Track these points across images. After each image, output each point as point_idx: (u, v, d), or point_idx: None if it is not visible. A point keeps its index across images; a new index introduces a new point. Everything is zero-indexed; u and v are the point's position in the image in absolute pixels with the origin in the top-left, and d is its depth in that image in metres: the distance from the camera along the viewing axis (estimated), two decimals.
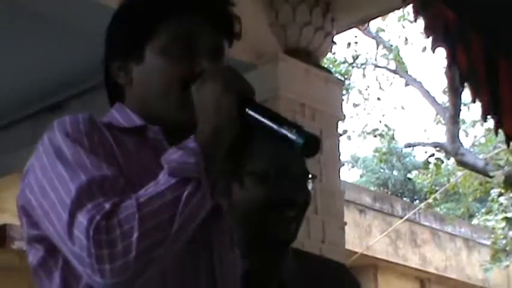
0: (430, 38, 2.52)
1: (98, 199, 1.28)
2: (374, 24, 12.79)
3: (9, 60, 4.22)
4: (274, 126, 1.37)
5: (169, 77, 1.45)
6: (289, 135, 1.35)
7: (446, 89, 11.43)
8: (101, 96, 4.91)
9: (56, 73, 4.37)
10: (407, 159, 19.86)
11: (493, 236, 10.59)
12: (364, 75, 13.94)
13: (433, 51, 2.59)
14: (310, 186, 1.88)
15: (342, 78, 11.87)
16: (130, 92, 1.51)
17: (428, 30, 2.52)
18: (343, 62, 13.65)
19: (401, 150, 19.26)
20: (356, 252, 10.60)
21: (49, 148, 1.37)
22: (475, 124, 14.46)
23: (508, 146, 2.98)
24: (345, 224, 4.24)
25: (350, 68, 13.76)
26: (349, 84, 13.87)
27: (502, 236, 9.87)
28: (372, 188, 17.61)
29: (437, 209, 16.04)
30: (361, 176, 19.89)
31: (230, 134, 1.38)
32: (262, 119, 1.38)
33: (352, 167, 20.22)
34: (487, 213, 10.78)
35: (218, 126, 1.36)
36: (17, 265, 8.41)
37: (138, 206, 1.26)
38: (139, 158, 1.40)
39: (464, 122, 14.19)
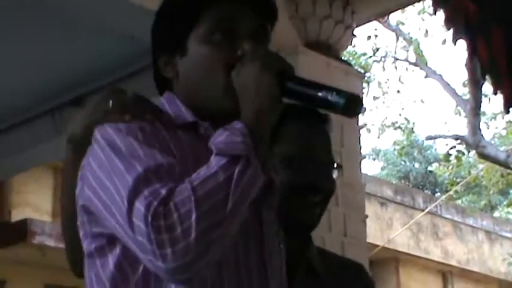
0: (451, 30, 2.51)
1: (154, 185, 1.29)
2: (394, 17, 12.76)
3: (31, 54, 4.25)
4: (314, 93, 1.38)
5: (213, 64, 1.45)
6: (329, 97, 1.36)
7: (466, 82, 11.37)
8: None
9: (78, 67, 4.39)
10: (429, 151, 19.79)
11: None
12: (384, 68, 13.91)
13: (454, 44, 2.58)
14: (335, 175, 1.90)
15: (362, 71, 11.85)
16: (177, 85, 1.51)
17: (449, 22, 2.51)
18: (363, 55, 13.63)
19: (423, 143, 19.21)
20: (377, 246, 10.59)
21: (103, 143, 1.37)
22: (496, 116, 14.38)
23: None
24: (366, 217, 4.24)
25: (370, 60, 13.73)
26: (369, 77, 13.84)
27: None
28: (394, 181, 17.58)
29: (459, 201, 15.98)
30: (382, 169, 19.86)
31: (274, 113, 1.38)
32: (301, 89, 1.39)
33: (373, 159, 20.18)
34: (509, 205, 10.71)
35: (261, 105, 1.36)
36: (38, 260, 8.49)
37: (192, 189, 1.27)
38: (192, 151, 1.40)
39: (485, 114, 14.13)
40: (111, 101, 1.47)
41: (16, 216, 8.80)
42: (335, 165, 1.91)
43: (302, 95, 1.39)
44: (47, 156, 5.17)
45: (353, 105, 1.36)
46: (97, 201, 1.36)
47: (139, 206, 1.27)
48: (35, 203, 9.10)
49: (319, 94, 1.37)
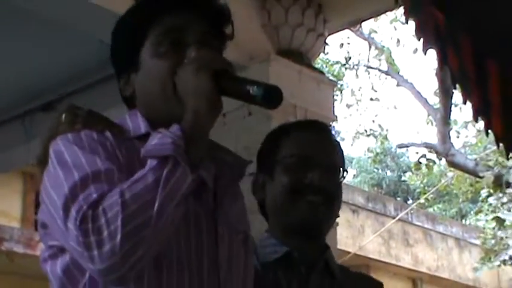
0: (421, 40, 2.53)
1: (89, 190, 1.33)
2: (366, 26, 12.84)
3: (1, 60, 4.22)
4: (241, 88, 1.44)
5: (162, 75, 1.50)
6: (251, 91, 1.42)
7: (437, 90, 11.47)
8: (93, 95, 4.89)
9: (49, 72, 4.37)
10: (402, 159, 19.90)
11: (482, 234, 10.63)
12: (357, 75, 13.99)
13: (424, 53, 2.60)
14: (340, 179, 1.98)
15: (335, 79, 11.90)
16: (137, 101, 1.57)
17: (419, 32, 2.53)
18: (336, 63, 13.69)
19: (396, 151, 19.31)
20: (349, 252, 10.63)
21: (53, 157, 1.43)
22: (467, 125, 14.51)
23: (498, 147, 2.99)
24: (337, 224, 4.25)
25: (343, 68, 13.79)
26: (342, 85, 13.90)
27: (491, 236, 9.90)
28: (367, 188, 17.65)
29: (431, 209, 16.08)
30: (355, 176, 19.94)
31: (212, 112, 1.42)
32: (233, 85, 1.45)
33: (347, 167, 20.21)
34: (477, 213, 10.82)
35: (198, 106, 1.40)
36: (6, 266, 8.39)
37: (120, 192, 1.32)
38: (142, 159, 1.43)
39: (456, 123, 14.24)
40: (63, 114, 1.52)
41: None
42: (340, 169, 1.98)
43: (234, 91, 1.45)
44: (17, 161, 5.13)
45: (271, 96, 1.42)
46: (48, 214, 1.42)
47: (73, 211, 1.32)
48: (3, 208, 9.02)
49: (244, 88, 1.43)
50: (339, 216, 2.02)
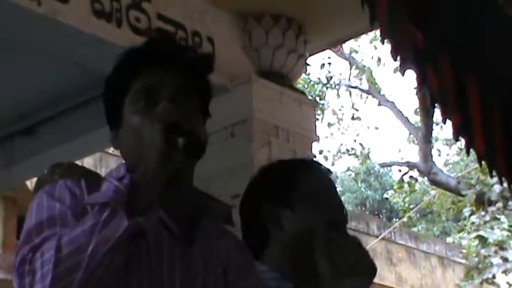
0: (398, 61, 2.54)
1: (42, 235, 1.43)
2: (347, 45, 12.89)
3: None
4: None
5: (136, 131, 1.55)
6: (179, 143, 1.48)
7: (418, 109, 11.52)
8: (75, 119, 4.84)
9: (29, 96, 4.35)
10: (385, 178, 19.92)
11: (463, 251, 10.63)
12: (338, 95, 14.02)
13: (402, 74, 2.62)
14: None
15: (317, 99, 11.93)
16: (122, 154, 1.63)
17: (395, 52, 2.54)
18: (318, 83, 13.72)
19: (379, 170, 19.33)
20: None
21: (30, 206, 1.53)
22: (449, 142, 14.58)
23: (480, 165, 3.00)
24: None
25: (324, 88, 13.82)
26: (323, 104, 13.93)
27: (474, 254, 9.90)
28: (350, 208, 17.63)
29: (415, 228, 16.09)
30: None
31: (162, 162, 1.46)
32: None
33: None
34: (460, 231, 10.82)
35: (148, 155, 1.46)
36: None
37: (59, 236, 1.40)
38: None
39: (437, 140, 14.30)
40: (46, 169, 1.70)
41: None
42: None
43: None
44: None
45: (191, 148, 1.49)
46: None
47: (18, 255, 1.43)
48: None
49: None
50: None
